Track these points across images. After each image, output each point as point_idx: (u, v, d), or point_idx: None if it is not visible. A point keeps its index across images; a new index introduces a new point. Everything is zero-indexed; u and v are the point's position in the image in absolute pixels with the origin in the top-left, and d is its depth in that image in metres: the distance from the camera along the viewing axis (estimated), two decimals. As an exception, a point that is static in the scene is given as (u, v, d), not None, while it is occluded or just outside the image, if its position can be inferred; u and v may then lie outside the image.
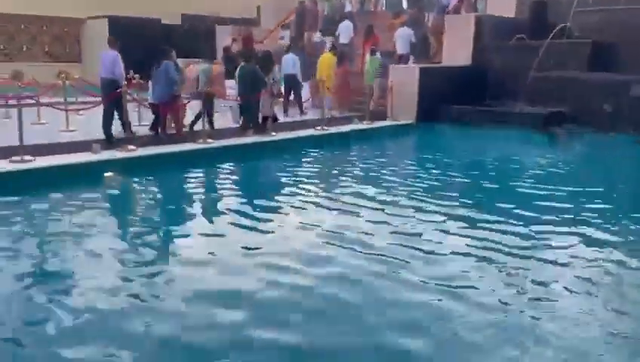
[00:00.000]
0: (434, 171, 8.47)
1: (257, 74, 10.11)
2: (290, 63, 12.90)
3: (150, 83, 9.80)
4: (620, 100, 11.15)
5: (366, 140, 11.19)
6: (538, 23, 14.24)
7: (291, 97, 13.40)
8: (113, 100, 8.69)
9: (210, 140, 9.18)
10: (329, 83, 12.20)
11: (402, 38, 14.54)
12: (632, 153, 9.89)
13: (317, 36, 18.34)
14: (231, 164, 8.66)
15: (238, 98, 10.45)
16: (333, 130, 11.18)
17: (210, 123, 10.34)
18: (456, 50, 13.65)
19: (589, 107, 11.29)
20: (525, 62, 12.63)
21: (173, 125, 9.81)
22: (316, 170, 8.86)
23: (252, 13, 23.49)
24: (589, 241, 5.10)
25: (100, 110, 9.08)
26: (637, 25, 12.36)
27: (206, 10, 25.14)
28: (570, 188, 7.21)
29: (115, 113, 8.88)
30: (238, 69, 10.40)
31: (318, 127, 11.03)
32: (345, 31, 15.77)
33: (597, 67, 12.06)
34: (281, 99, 12.79)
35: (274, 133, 10.24)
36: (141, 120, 10.74)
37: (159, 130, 9.67)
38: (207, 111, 10.06)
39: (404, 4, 19.43)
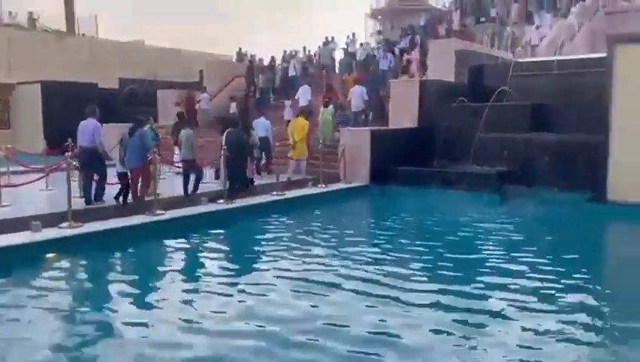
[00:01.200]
0: (390, 235, 8.48)
1: (245, 139, 10.70)
2: (262, 127, 13.06)
3: (119, 153, 9.47)
4: (560, 158, 11.57)
5: (321, 204, 10.99)
6: (477, 87, 14.96)
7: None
8: (94, 168, 9.16)
9: (160, 211, 8.63)
10: (301, 146, 12.46)
11: (356, 95, 15.11)
12: (581, 211, 10.16)
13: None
14: (184, 235, 8.13)
15: (219, 163, 10.68)
16: (289, 194, 10.90)
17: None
18: (403, 112, 13.97)
19: (533, 166, 11.66)
20: (469, 123, 13.05)
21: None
22: (275, 237, 8.45)
23: (194, 77, 23.34)
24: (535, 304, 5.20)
25: (35, 183, 8.74)
26: (569, 88, 13.19)
27: (145, 74, 24.80)
28: (528, 249, 7.26)
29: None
30: (225, 134, 10.62)
31: (274, 193, 10.72)
32: (304, 94, 16.65)
33: (537, 128, 12.61)
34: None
35: (234, 202, 9.84)
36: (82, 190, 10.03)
37: (128, 197, 9.41)
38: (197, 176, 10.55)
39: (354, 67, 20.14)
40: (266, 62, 22.24)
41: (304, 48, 23.23)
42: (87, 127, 9.24)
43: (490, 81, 15.04)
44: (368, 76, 17.36)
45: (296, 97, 16.87)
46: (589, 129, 11.22)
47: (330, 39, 22.93)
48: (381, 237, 8.41)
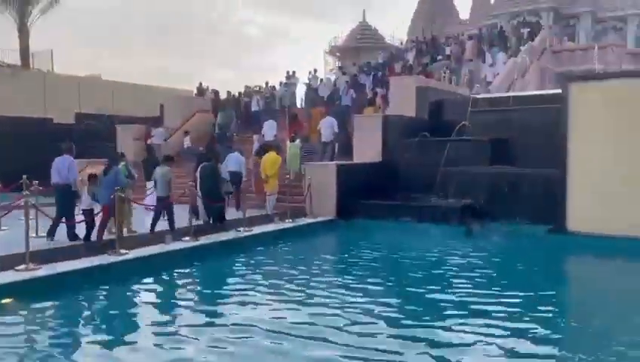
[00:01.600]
0: (357, 273, 8.41)
1: (219, 172, 11.05)
2: (235, 161, 12.86)
3: (86, 190, 9.39)
4: (521, 191, 11.86)
5: (289, 240, 10.89)
6: (437, 122, 15.35)
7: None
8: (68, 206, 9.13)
9: (123, 251, 8.31)
10: (274, 182, 12.75)
11: (326, 126, 15.28)
12: (543, 243, 10.40)
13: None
14: (148, 276, 7.85)
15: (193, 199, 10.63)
16: (256, 230, 10.74)
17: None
18: (367, 147, 14.14)
19: (495, 199, 11.91)
20: (431, 158, 13.33)
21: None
22: (242, 276, 8.27)
23: (155, 112, 23.02)
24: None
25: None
26: (525, 123, 13.68)
27: (103, 109, 24.30)
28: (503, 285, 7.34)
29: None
30: (200, 168, 11.06)
31: (240, 229, 10.54)
32: (269, 128, 16.73)
33: (497, 161, 12.97)
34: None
35: (198, 239, 9.60)
36: (39, 231, 9.60)
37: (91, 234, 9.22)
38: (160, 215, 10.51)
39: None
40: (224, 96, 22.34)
41: (266, 83, 23.36)
42: (63, 164, 9.15)
43: (449, 116, 15.46)
44: (334, 109, 17.56)
45: (262, 133, 16.83)
46: (546, 162, 11.64)
47: (291, 74, 23.20)
48: (349, 275, 8.29)
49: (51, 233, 9.16)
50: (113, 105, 24.56)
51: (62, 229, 9.21)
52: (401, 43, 40.97)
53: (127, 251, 8.34)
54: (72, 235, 9.28)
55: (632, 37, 37.01)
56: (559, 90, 11.35)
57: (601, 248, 9.50)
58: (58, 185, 9.13)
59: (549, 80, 29.03)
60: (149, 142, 18.48)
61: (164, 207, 10.48)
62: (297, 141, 14.61)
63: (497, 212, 11.55)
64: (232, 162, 12.77)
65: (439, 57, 23.57)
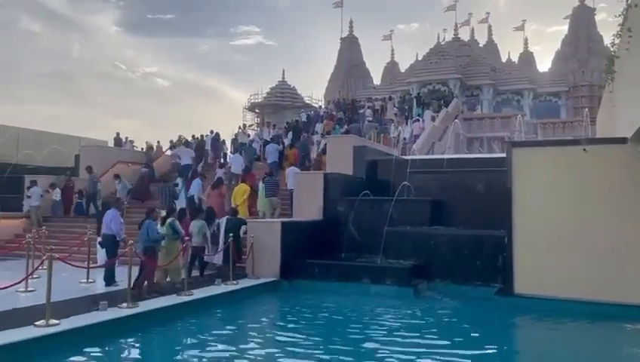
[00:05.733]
0: (309, 343, 7.76)
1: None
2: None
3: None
4: (468, 252, 11.91)
5: (233, 306, 10.10)
6: (374, 181, 15.45)
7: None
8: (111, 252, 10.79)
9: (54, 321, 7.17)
10: (243, 210, 14.16)
11: (290, 175, 15.78)
12: (491, 305, 10.43)
13: None
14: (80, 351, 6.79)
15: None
16: (197, 294, 9.84)
17: None
18: (308, 204, 13.82)
19: (441, 260, 11.93)
20: (373, 217, 13.28)
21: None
22: (181, 350, 7.40)
23: (66, 161, 21.25)
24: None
25: None
26: (457, 184, 14.14)
27: (4, 157, 22.10)
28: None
29: None
30: (226, 221, 12.12)
31: (182, 293, 9.62)
32: (236, 162, 18.13)
33: (436, 222, 13.15)
34: None
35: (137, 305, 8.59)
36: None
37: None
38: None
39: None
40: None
41: (193, 136, 22.57)
42: (107, 217, 10.87)
43: (384, 176, 15.64)
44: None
45: (228, 165, 18.54)
46: (486, 223, 11.95)
47: (212, 132, 22.89)
48: (300, 348, 7.46)
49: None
50: (18, 153, 22.38)
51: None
52: (319, 105, 41.99)
53: (57, 321, 7.22)
54: (109, 279, 10.60)
55: (527, 108, 40.70)
56: (496, 155, 11.89)
57: (545, 311, 9.66)
58: (105, 235, 10.74)
59: (461, 145, 30.93)
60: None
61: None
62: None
63: (446, 273, 11.57)
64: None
65: (368, 118, 24.16)
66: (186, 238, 10.78)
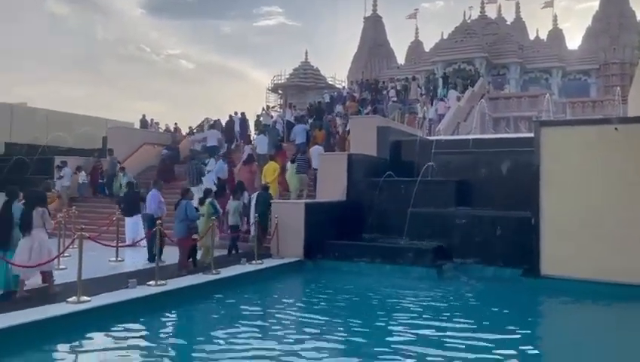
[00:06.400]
0: (331, 319, 7.92)
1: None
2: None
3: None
4: (493, 233, 11.79)
5: (259, 284, 10.23)
6: (398, 162, 15.34)
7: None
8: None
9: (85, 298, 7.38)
10: (274, 187, 14.22)
11: (315, 154, 15.73)
12: (517, 287, 10.32)
13: None
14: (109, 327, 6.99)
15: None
16: (224, 273, 10.00)
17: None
18: (332, 185, 13.82)
19: (466, 241, 11.83)
20: (397, 198, 13.20)
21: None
22: (209, 327, 7.50)
23: (94, 143, 21.63)
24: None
25: None
26: (483, 165, 13.93)
27: (36, 139, 22.57)
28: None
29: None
30: (257, 195, 12.67)
31: (209, 272, 9.78)
32: (261, 143, 18.20)
33: (461, 203, 13.01)
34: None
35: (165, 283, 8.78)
36: None
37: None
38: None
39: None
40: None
41: (218, 120, 22.68)
42: (148, 197, 11.61)
43: (408, 157, 15.52)
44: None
45: (253, 144, 18.64)
46: (512, 205, 11.79)
47: (236, 113, 22.86)
48: (324, 327, 7.48)
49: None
50: (48, 135, 22.85)
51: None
52: (342, 85, 41.68)
53: (88, 298, 7.44)
54: (150, 256, 11.05)
55: (556, 87, 39.70)
56: (523, 135, 11.66)
57: (574, 292, 9.53)
58: (146, 215, 11.52)
59: (488, 124, 30.41)
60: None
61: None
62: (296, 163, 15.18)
63: (471, 254, 11.49)
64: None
65: (393, 98, 23.87)
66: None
